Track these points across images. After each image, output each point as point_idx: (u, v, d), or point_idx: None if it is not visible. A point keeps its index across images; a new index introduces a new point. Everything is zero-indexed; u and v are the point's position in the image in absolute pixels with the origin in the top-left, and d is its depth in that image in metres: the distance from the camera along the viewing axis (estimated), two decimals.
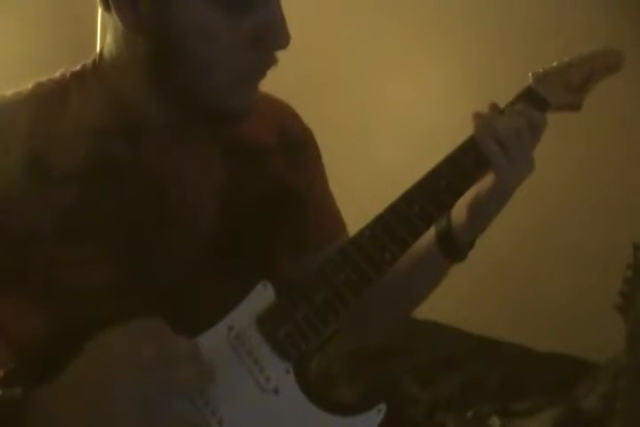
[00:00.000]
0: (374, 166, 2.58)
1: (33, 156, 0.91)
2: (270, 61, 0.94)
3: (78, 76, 0.98)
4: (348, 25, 2.73)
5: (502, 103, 1.05)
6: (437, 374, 2.26)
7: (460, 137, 1.02)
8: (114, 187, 0.93)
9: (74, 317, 0.90)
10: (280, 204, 1.06)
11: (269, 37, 0.90)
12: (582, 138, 2.28)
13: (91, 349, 0.82)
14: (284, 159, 1.08)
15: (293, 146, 1.10)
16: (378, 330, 1.27)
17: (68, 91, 0.96)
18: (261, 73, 0.95)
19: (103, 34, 0.96)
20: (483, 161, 0.98)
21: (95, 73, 0.97)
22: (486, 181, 1.00)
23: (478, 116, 1.01)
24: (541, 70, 1.07)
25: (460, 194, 0.99)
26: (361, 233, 0.96)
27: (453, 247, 1.04)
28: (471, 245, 1.06)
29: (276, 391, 0.91)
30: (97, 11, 0.96)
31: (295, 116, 1.15)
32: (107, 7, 0.90)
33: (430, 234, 1.04)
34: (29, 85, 0.97)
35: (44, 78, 0.98)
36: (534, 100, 1.04)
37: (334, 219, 1.16)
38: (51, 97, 0.96)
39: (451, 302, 2.37)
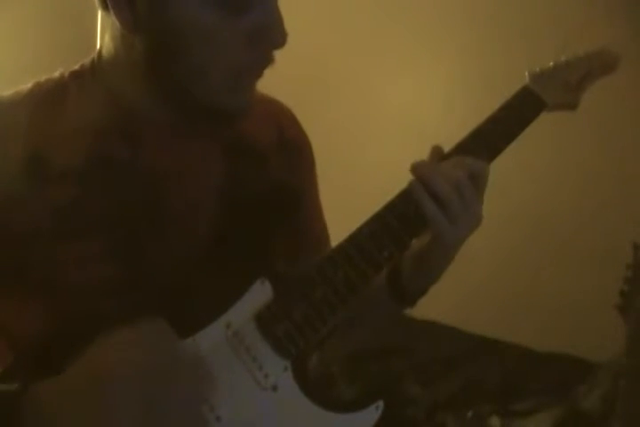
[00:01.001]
0: (375, 166, 2.58)
1: (32, 154, 0.91)
2: (267, 61, 0.94)
3: (77, 76, 0.98)
4: (349, 26, 2.73)
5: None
6: (437, 374, 2.27)
7: (460, 137, 1.02)
8: (113, 185, 0.93)
9: (74, 314, 0.90)
10: (279, 203, 1.06)
11: (266, 37, 0.90)
12: (582, 138, 2.28)
13: (94, 350, 0.82)
14: (282, 160, 1.08)
15: (291, 148, 1.10)
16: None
17: (67, 90, 0.96)
18: (258, 72, 0.95)
19: (102, 34, 0.96)
20: (419, 221, 0.94)
21: (93, 72, 0.98)
22: (426, 238, 0.97)
23: (416, 168, 0.95)
24: (538, 70, 1.07)
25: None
26: (359, 231, 0.96)
27: (401, 291, 1.04)
28: (422, 294, 1.05)
29: (274, 388, 0.91)
30: (97, 11, 0.96)
31: (294, 120, 1.15)
32: (104, 7, 0.91)
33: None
34: (28, 85, 0.97)
35: (42, 78, 0.98)
36: (531, 100, 1.04)
37: (324, 229, 1.18)
38: (49, 96, 0.96)
39: (451, 302, 2.37)
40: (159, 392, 0.80)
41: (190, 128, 0.99)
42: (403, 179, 1.00)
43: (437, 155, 0.99)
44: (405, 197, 0.96)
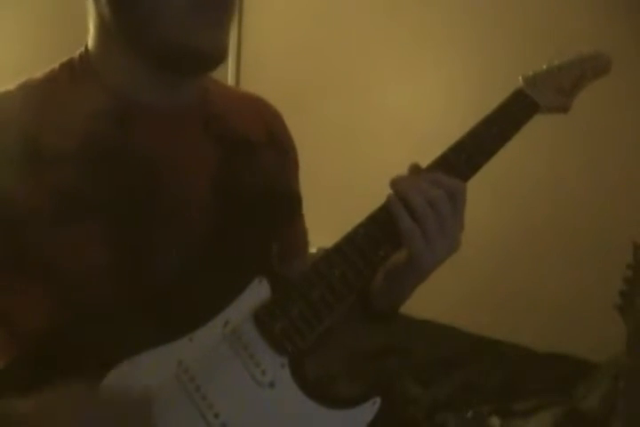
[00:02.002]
0: (375, 167, 2.58)
1: (27, 141, 0.92)
2: None
3: (67, 66, 1.01)
4: (349, 26, 2.73)
5: None
6: (437, 374, 2.27)
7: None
8: (106, 168, 0.94)
9: (74, 299, 0.91)
10: (274, 198, 1.07)
11: None
12: (582, 138, 2.28)
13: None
14: (274, 156, 1.10)
15: (279, 147, 1.12)
16: None
17: (58, 80, 0.99)
18: (220, 8, 0.95)
19: (89, 24, 0.99)
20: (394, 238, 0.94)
21: (82, 62, 1.00)
22: (402, 255, 0.96)
23: (394, 183, 0.94)
24: (531, 73, 1.08)
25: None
26: (355, 231, 0.96)
27: (368, 307, 1.04)
28: (390, 311, 1.05)
29: (271, 385, 0.91)
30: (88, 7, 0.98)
31: (282, 120, 1.17)
32: None
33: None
34: (21, 80, 0.99)
35: (35, 74, 1.01)
36: (524, 102, 1.05)
37: (306, 233, 1.19)
38: (41, 87, 0.98)
39: (451, 302, 2.38)
40: None
41: (183, 114, 1.00)
42: None
43: (415, 172, 0.98)
44: (385, 210, 0.96)
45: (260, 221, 1.04)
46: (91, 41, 0.99)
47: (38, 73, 1.00)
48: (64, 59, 1.02)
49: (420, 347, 2.36)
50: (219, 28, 0.96)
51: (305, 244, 1.19)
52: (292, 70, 2.73)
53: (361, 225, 0.96)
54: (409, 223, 0.92)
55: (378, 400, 0.94)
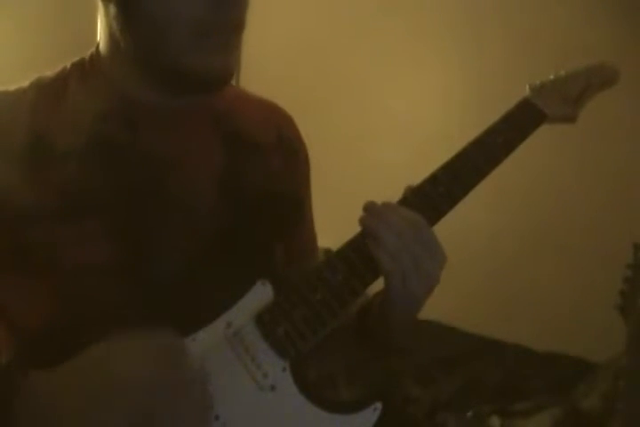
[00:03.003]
0: (375, 169, 2.58)
1: (35, 137, 0.93)
2: (232, 21, 0.95)
3: (78, 66, 1.01)
4: (349, 26, 2.73)
5: (501, 108, 1.05)
6: (437, 374, 2.27)
7: (459, 140, 1.02)
8: (112, 166, 0.94)
9: (75, 297, 0.91)
10: (279, 201, 1.06)
11: None
12: (582, 139, 2.28)
13: (102, 351, 0.82)
14: (282, 160, 1.09)
15: (290, 153, 1.11)
16: None
17: (68, 79, 0.99)
18: (226, 33, 0.95)
19: (100, 25, 0.99)
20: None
21: (92, 62, 1.00)
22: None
23: (368, 215, 0.94)
24: (538, 83, 1.08)
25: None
26: (358, 235, 0.96)
27: (368, 332, 1.03)
28: (388, 341, 1.04)
29: (272, 388, 0.91)
30: (97, 11, 0.98)
31: (294, 125, 1.16)
32: None
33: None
34: (32, 78, 1.00)
35: (46, 72, 1.01)
36: (531, 112, 1.05)
37: (315, 239, 1.19)
38: (51, 85, 0.98)
39: (451, 302, 2.37)
40: (160, 409, 0.80)
41: (190, 114, 1.00)
42: (402, 180, 1.00)
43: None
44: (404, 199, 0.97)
45: (265, 223, 1.03)
46: (101, 43, 0.99)
47: (49, 71, 1.01)
48: (64, 59, 1.02)
49: (420, 347, 2.36)
50: (225, 52, 0.96)
51: (313, 248, 1.18)
52: (292, 71, 2.73)
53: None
54: (388, 259, 0.90)
55: (379, 407, 0.93)
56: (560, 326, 2.31)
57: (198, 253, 0.96)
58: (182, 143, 0.99)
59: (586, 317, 2.24)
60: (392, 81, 2.67)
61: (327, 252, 1.01)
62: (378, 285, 0.95)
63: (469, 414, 2.09)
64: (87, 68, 1.00)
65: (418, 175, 1.00)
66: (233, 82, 1.02)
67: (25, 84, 0.99)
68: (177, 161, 0.97)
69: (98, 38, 1.00)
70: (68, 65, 1.01)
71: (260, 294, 0.94)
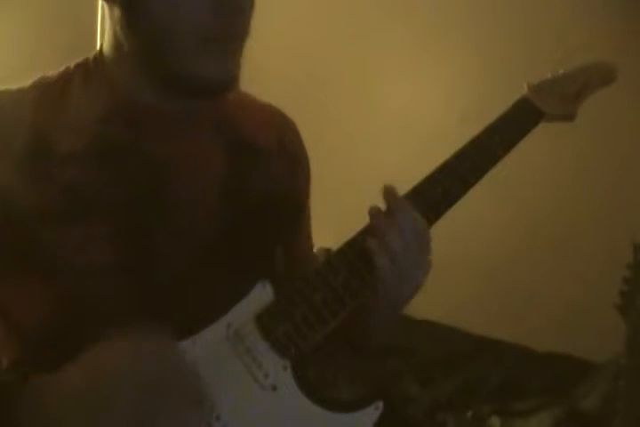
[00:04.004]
0: (375, 168, 2.58)
1: (38, 139, 0.93)
2: (237, 28, 0.95)
3: (81, 67, 1.01)
4: (349, 26, 2.73)
5: (501, 108, 1.05)
6: (437, 374, 2.27)
7: (458, 140, 1.02)
8: (115, 168, 0.94)
9: (77, 297, 0.91)
10: (281, 205, 1.07)
11: (230, 2, 0.92)
12: (582, 139, 2.28)
13: (97, 353, 0.82)
14: (283, 164, 1.09)
15: (291, 155, 1.11)
16: None
17: (72, 80, 0.99)
18: (231, 40, 0.95)
19: (104, 27, 0.99)
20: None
21: (96, 63, 1.00)
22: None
23: (374, 217, 0.94)
24: (536, 81, 1.08)
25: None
26: (358, 235, 0.96)
27: (348, 333, 1.03)
28: (373, 343, 1.06)
29: (273, 388, 0.91)
30: (97, 11, 0.98)
31: (295, 130, 1.16)
32: None
33: None
34: (35, 78, 1.00)
35: (49, 72, 1.01)
36: (529, 110, 1.05)
37: (311, 248, 1.19)
38: (55, 86, 0.98)
39: (451, 302, 2.37)
40: (156, 404, 0.81)
41: (192, 118, 1.00)
42: (402, 180, 1.00)
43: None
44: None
45: (266, 225, 1.03)
46: (105, 45, 0.99)
47: (52, 71, 1.00)
48: (63, 59, 1.02)
49: (421, 347, 2.36)
50: (230, 58, 0.96)
51: (309, 248, 1.19)
52: (291, 72, 2.73)
53: (363, 231, 0.96)
54: (387, 261, 0.92)
55: (381, 405, 0.94)
56: (560, 326, 2.31)
57: (199, 254, 0.96)
58: (184, 146, 0.99)
59: (586, 317, 2.24)
60: (391, 81, 2.67)
61: (327, 252, 1.01)
62: None
63: (469, 414, 2.09)
64: (91, 70, 1.00)
65: (416, 175, 1.00)
66: None
67: (27, 83, 0.99)
68: (179, 163, 0.97)
69: (99, 39, 1.00)
70: (72, 65, 1.01)
71: (261, 295, 0.94)
